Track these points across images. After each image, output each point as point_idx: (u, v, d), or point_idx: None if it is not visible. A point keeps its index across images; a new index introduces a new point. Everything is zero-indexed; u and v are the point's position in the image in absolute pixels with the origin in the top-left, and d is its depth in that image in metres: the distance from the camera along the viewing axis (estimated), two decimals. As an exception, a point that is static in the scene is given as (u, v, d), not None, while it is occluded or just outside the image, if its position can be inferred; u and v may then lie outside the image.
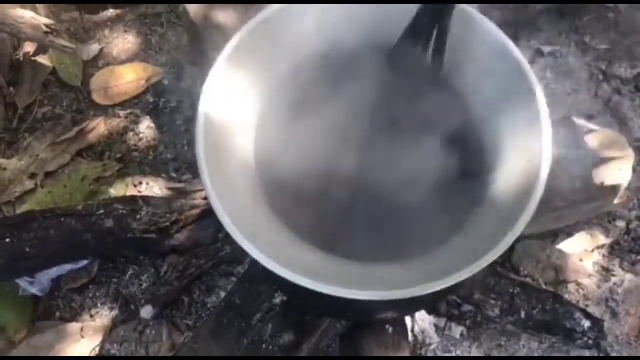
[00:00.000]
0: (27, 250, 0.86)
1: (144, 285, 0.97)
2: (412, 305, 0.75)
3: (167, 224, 0.90)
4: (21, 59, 1.15)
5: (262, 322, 0.78)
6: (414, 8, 0.57)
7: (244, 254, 0.50)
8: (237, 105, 0.60)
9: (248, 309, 0.79)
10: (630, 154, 0.89)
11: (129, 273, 0.98)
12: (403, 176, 0.55)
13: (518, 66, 0.56)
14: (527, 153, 0.54)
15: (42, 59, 1.15)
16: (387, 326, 0.84)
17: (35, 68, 1.14)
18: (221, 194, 0.53)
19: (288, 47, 0.62)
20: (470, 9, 0.61)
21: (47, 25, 1.05)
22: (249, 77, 0.60)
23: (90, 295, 0.97)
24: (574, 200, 0.84)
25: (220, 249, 0.91)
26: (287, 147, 0.60)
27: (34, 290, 0.94)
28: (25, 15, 1.05)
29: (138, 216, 0.90)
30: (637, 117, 1.06)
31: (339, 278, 0.49)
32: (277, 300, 0.79)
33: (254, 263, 0.58)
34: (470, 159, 0.58)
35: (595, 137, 0.90)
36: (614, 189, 0.87)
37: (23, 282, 0.93)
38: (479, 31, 0.59)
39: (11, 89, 1.12)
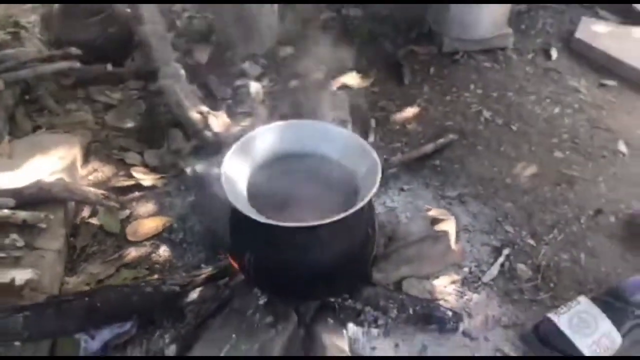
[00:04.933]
0: (98, 305, 1.37)
1: (167, 341, 1.44)
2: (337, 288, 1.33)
3: (185, 282, 1.45)
4: (78, 222, 1.77)
5: (253, 314, 1.31)
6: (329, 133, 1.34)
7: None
8: (238, 174, 1.27)
9: (244, 307, 1.32)
10: (451, 218, 1.59)
11: (156, 334, 1.45)
12: (320, 201, 1.23)
13: (375, 163, 1.28)
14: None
15: (92, 220, 1.77)
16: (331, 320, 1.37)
17: (88, 225, 1.75)
18: (234, 199, 1.16)
19: (262, 151, 1.33)
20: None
21: (101, 194, 1.73)
22: (242, 162, 1.29)
23: (128, 352, 1.42)
24: (414, 240, 1.51)
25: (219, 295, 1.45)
26: (261, 190, 1.27)
27: (94, 346, 1.39)
28: (90, 189, 1.73)
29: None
30: (461, 213, 1.79)
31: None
32: (261, 302, 1.33)
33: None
34: (352, 190, 1.26)
35: (433, 211, 1.61)
36: (445, 233, 1.54)
37: (84, 337, 1.38)
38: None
39: (71, 238, 1.71)
